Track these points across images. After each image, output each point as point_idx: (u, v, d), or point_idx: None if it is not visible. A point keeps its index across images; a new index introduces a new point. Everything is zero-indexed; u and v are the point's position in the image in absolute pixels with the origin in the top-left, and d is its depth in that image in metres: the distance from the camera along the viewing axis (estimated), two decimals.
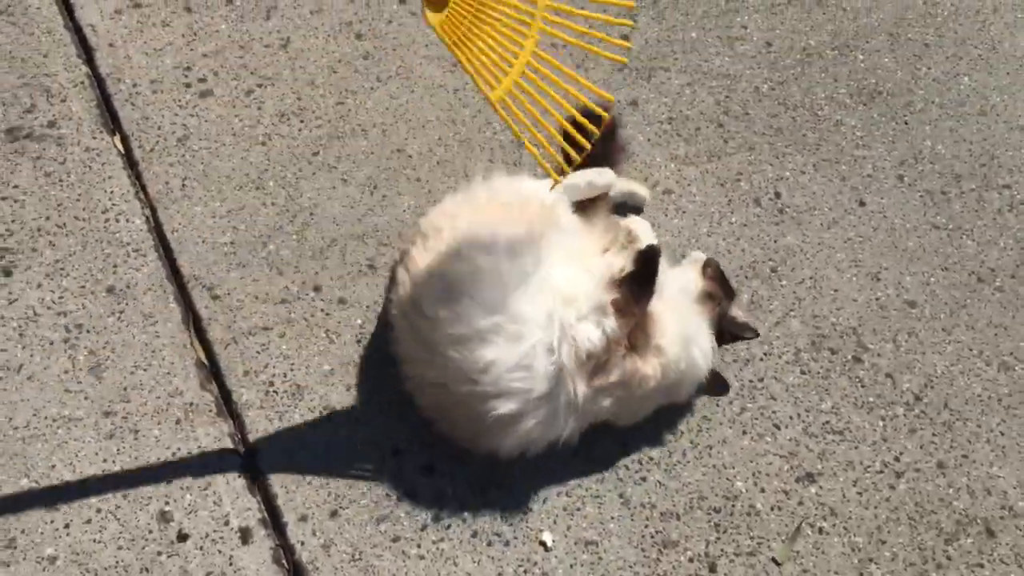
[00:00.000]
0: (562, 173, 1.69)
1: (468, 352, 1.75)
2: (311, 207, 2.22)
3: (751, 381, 2.10)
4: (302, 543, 1.82)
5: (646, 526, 1.91)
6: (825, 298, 2.23)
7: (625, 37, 1.63)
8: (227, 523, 1.82)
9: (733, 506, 1.95)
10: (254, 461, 1.90)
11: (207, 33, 2.46)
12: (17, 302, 2.02)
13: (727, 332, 2.03)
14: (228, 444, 1.91)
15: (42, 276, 2.06)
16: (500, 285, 1.76)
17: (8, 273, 2.06)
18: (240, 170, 2.26)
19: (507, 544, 1.86)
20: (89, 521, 1.80)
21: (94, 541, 1.78)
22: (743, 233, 2.31)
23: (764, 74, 2.60)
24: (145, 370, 1.97)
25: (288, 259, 2.14)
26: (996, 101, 2.63)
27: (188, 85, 2.38)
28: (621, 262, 1.90)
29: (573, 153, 1.66)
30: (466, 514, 1.88)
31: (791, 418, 2.06)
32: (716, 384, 2.04)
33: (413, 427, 1.94)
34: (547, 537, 1.87)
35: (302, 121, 2.35)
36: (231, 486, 1.86)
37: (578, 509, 1.91)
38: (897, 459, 2.04)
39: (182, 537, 1.80)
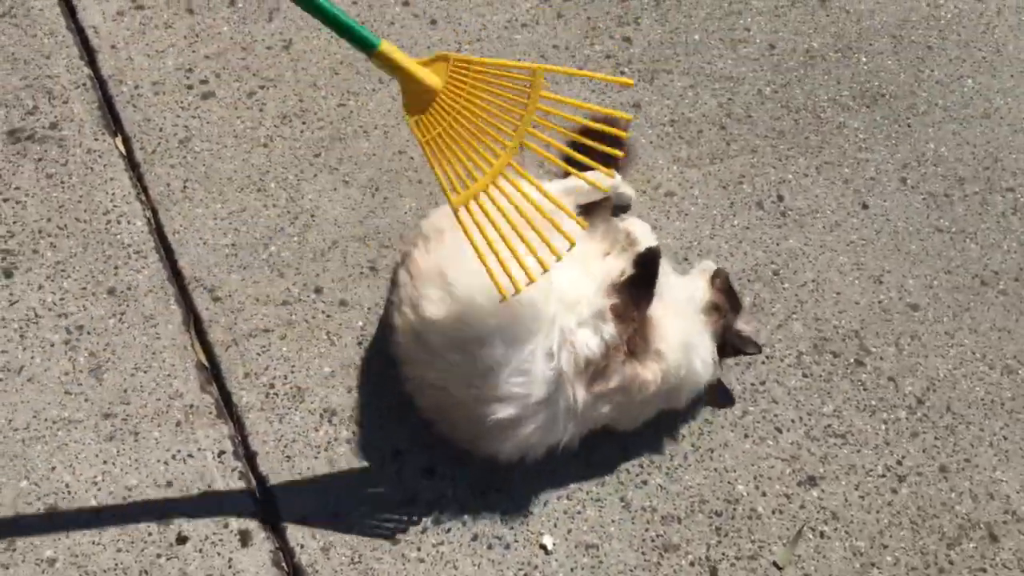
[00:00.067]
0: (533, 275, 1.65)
1: (468, 355, 1.75)
2: (312, 209, 2.22)
3: (753, 384, 2.09)
4: (302, 546, 1.82)
5: (647, 529, 1.90)
6: (827, 301, 2.23)
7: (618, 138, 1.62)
8: (227, 526, 1.82)
9: (734, 510, 1.94)
10: (254, 463, 1.90)
11: (209, 35, 2.46)
12: (18, 304, 2.02)
13: (730, 345, 2.02)
14: (228, 446, 1.90)
15: (43, 278, 2.06)
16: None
17: (9, 275, 2.06)
18: (241, 172, 2.26)
19: (507, 547, 1.85)
20: (88, 523, 1.80)
21: (93, 543, 1.78)
22: (745, 236, 2.30)
23: (767, 76, 2.59)
24: (145, 372, 1.97)
25: (289, 261, 2.14)
26: (1000, 104, 2.62)
27: (190, 87, 2.38)
28: (621, 265, 1.89)
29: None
30: (466, 517, 1.88)
31: (793, 421, 2.06)
32: (720, 396, 2.03)
33: (413, 430, 1.93)
34: (547, 540, 1.87)
35: (304, 123, 2.35)
36: (231, 488, 1.86)
37: (579, 512, 1.91)
38: (899, 463, 2.03)
39: (181, 539, 1.80)
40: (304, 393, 1.98)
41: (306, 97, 2.39)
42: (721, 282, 2.06)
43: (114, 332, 2.01)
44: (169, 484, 1.85)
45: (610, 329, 1.80)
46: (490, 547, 1.85)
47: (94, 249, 2.10)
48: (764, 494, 1.96)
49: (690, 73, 2.57)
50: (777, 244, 2.30)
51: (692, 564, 1.87)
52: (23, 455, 1.86)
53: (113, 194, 2.18)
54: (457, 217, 1.63)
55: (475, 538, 1.86)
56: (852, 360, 2.15)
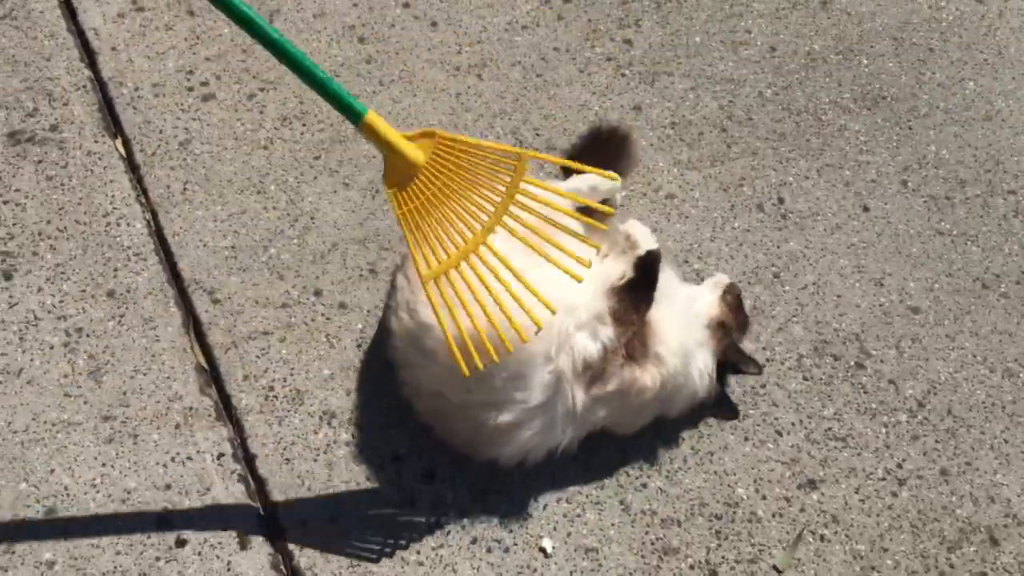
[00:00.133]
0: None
1: None
2: (312, 211, 2.22)
3: (753, 387, 2.09)
4: (301, 549, 1.81)
5: (647, 533, 1.90)
6: (828, 304, 2.22)
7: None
8: (226, 529, 1.82)
9: (734, 513, 1.94)
10: (253, 466, 1.90)
11: (209, 37, 2.46)
12: (18, 306, 2.02)
13: (731, 361, 2.01)
14: (227, 449, 1.90)
15: (43, 280, 2.06)
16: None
17: (9, 277, 2.06)
18: (242, 174, 2.26)
19: (507, 551, 1.85)
20: (87, 526, 1.80)
21: (92, 546, 1.78)
22: (746, 238, 2.30)
23: (768, 79, 2.59)
24: (145, 374, 1.97)
25: (289, 263, 2.14)
26: (1001, 106, 2.61)
27: (190, 89, 2.37)
28: (621, 268, 1.88)
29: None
30: (466, 520, 1.87)
31: (793, 424, 2.05)
32: (724, 408, 2.02)
33: (413, 433, 1.93)
34: (547, 543, 1.86)
35: (304, 125, 2.35)
36: (230, 491, 1.86)
37: (578, 515, 1.90)
38: (900, 466, 2.03)
39: (180, 543, 1.80)
40: (303, 396, 1.97)
41: (306, 99, 2.39)
42: (732, 298, 2.05)
43: (113, 334, 2.01)
44: (168, 487, 1.85)
45: (608, 332, 1.79)
46: (489, 550, 1.85)
47: (94, 251, 2.10)
48: (764, 497, 1.96)
49: (691, 75, 2.57)
50: (778, 247, 2.30)
51: (692, 567, 1.87)
52: (22, 457, 1.86)
53: (113, 196, 2.18)
54: (426, 291, 1.64)
55: (474, 541, 1.86)
56: (853, 363, 2.15)
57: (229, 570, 1.78)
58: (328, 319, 2.07)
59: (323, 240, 2.18)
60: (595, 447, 1.93)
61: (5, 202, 2.15)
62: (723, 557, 1.89)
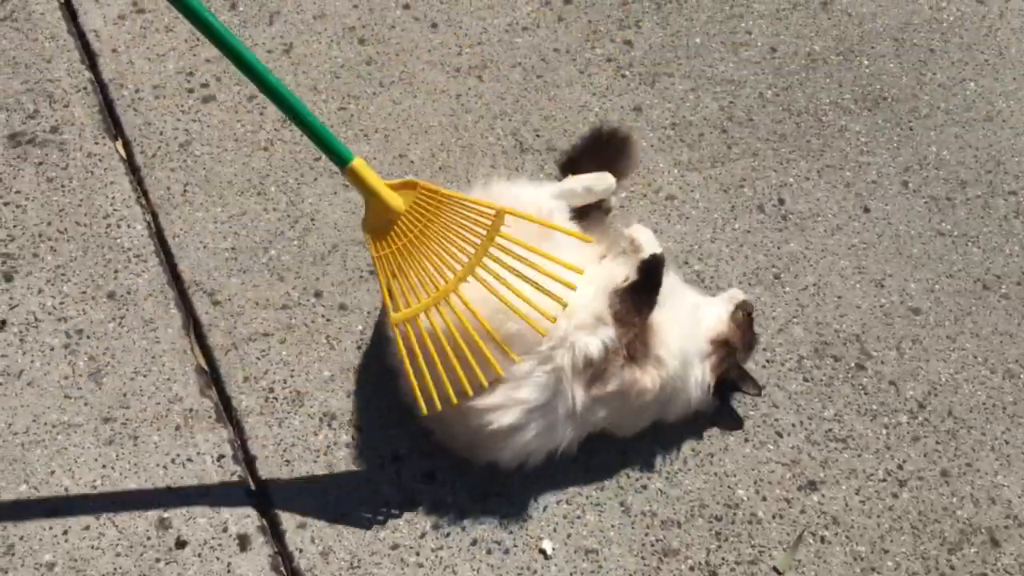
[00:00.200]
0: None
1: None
2: (312, 213, 2.22)
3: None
4: (300, 550, 1.81)
5: (647, 534, 1.90)
6: (828, 305, 2.22)
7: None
8: (226, 530, 1.82)
9: (734, 514, 1.94)
10: (253, 468, 1.90)
11: None
12: (18, 307, 2.02)
13: (730, 379, 1.98)
14: (227, 450, 1.90)
15: (43, 282, 2.06)
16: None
17: (9, 278, 2.06)
18: (242, 176, 2.26)
19: (507, 552, 1.85)
20: (88, 527, 1.80)
21: (92, 548, 1.78)
22: (746, 239, 2.30)
23: (768, 80, 2.59)
24: (145, 376, 1.97)
25: (289, 265, 2.14)
26: (1002, 107, 2.61)
27: (191, 90, 2.38)
28: (624, 271, 1.88)
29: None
30: (466, 522, 1.87)
31: (793, 426, 2.05)
32: (727, 419, 2.01)
33: (413, 434, 1.93)
34: (547, 545, 1.86)
35: None
36: (230, 493, 1.86)
37: (578, 517, 1.90)
38: (900, 467, 2.02)
39: (180, 544, 1.80)
40: (303, 397, 1.97)
41: (307, 100, 2.38)
42: (743, 316, 2.03)
43: (114, 336, 2.01)
44: (168, 488, 1.85)
45: (610, 332, 1.79)
46: (489, 552, 1.85)
47: (94, 253, 2.11)
48: (764, 499, 1.96)
49: (691, 76, 2.57)
50: (778, 248, 2.30)
51: (692, 569, 1.87)
52: (22, 459, 1.86)
53: (113, 198, 2.18)
54: (395, 331, 1.71)
55: (474, 543, 1.86)
56: (853, 364, 2.14)
57: (229, 571, 1.78)
58: (328, 321, 2.07)
59: (323, 241, 2.18)
60: (595, 448, 1.93)
61: (6, 204, 2.16)
62: (723, 558, 1.89)
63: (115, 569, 1.76)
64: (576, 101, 2.48)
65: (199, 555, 1.79)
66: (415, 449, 1.93)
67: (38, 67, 2.36)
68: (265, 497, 1.87)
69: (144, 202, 2.20)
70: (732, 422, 2.02)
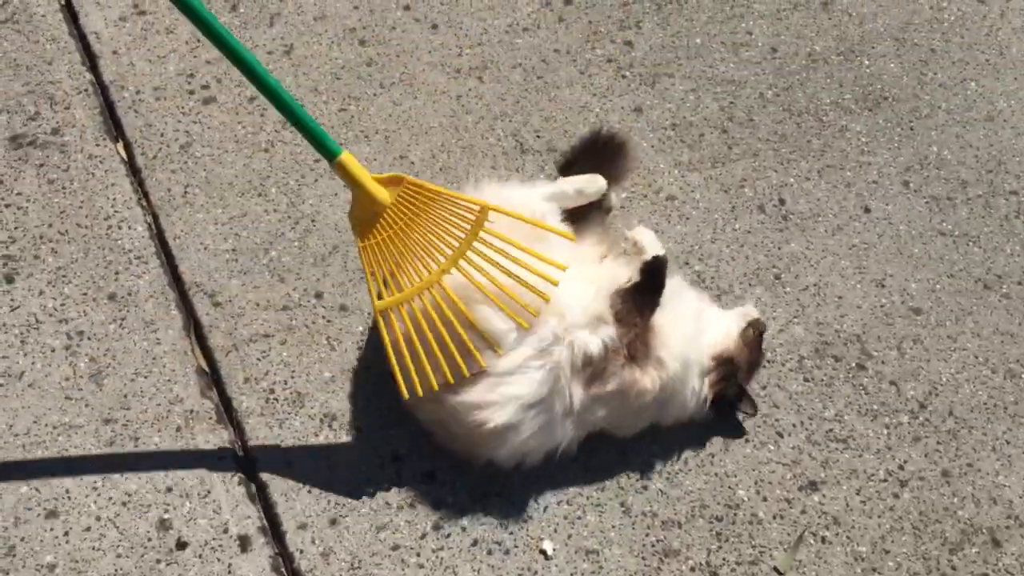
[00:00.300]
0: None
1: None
2: (313, 214, 2.22)
3: (753, 389, 2.08)
4: (301, 551, 1.82)
5: (647, 535, 1.90)
6: (829, 305, 2.22)
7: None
8: (226, 531, 1.82)
9: (735, 515, 1.94)
10: (254, 469, 1.90)
11: None
12: (19, 309, 2.03)
13: (728, 395, 1.97)
14: (228, 451, 1.90)
15: (44, 283, 2.06)
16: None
17: (10, 280, 2.06)
18: (242, 177, 2.26)
19: (507, 553, 1.85)
20: (88, 529, 1.80)
21: (93, 549, 1.78)
22: (747, 240, 2.30)
23: (769, 80, 2.59)
24: (146, 377, 1.97)
25: (290, 266, 2.14)
26: (1003, 107, 2.61)
27: (191, 92, 2.38)
28: (627, 272, 1.88)
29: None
30: (466, 522, 1.87)
31: (794, 426, 2.05)
32: (746, 403, 2.00)
33: (413, 435, 1.93)
34: (547, 546, 1.86)
35: None
36: (231, 494, 1.86)
37: (579, 517, 1.90)
38: (901, 467, 2.02)
39: (181, 545, 1.80)
40: (304, 398, 1.98)
41: (307, 102, 2.39)
42: (753, 334, 2.00)
43: (114, 337, 2.01)
44: (169, 489, 1.85)
45: (610, 332, 1.79)
46: (490, 552, 1.85)
47: (95, 254, 2.11)
48: (765, 499, 1.96)
49: (692, 77, 2.57)
50: (779, 248, 2.29)
51: (693, 569, 1.87)
52: (23, 460, 1.86)
53: (114, 199, 2.19)
54: (378, 319, 1.75)
55: (475, 543, 1.86)
56: (854, 364, 2.14)
57: (230, 572, 1.78)
58: (329, 322, 2.08)
59: (324, 243, 2.18)
60: (595, 448, 1.93)
61: (7, 206, 2.16)
62: (724, 559, 1.89)
63: (116, 570, 1.76)
64: (577, 102, 2.48)
65: (200, 556, 1.79)
66: (415, 450, 1.93)
67: (39, 69, 2.36)
68: (265, 498, 1.87)
69: (145, 204, 2.21)
70: (749, 407, 2.00)
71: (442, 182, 2.29)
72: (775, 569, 1.88)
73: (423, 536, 1.85)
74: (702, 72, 2.58)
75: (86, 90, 2.35)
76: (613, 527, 1.90)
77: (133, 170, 2.25)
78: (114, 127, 2.31)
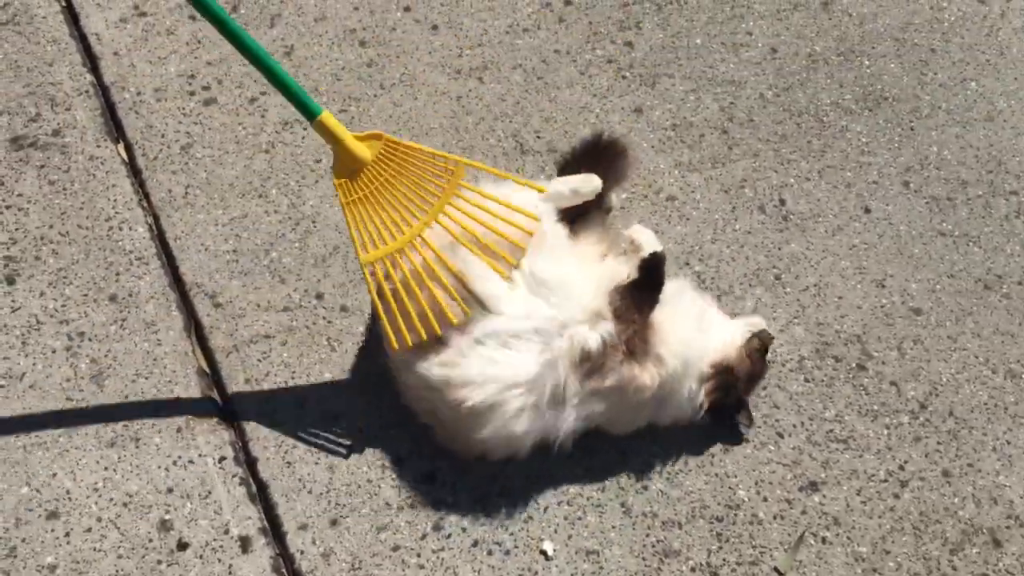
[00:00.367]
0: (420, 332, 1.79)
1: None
2: (313, 215, 2.22)
3: (754, 392, 2.08)
4: (302, 552, 1.82)
5: (647, 535, 1.90)
6: (829, 305, 2.22)
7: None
8: (227, 532, 1.82)
9: (735, 515, 1.94)
10: (255, 469, 1.90)
11: (211, 41, 2.47)
12: (20, 310, 2.03)
13: (724, 401, 1.96)
14: (229, 452, 1.91)
15: (45, 284, 2.07)
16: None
17: (11, 281, 2.07)
18: (243, 178, 2.26)
19: (507, 553, 1.85)
20: (89, 530, 1.81)
21: (94, 550, 1.79)
22: (747, 240, 2.30)
23: (769, 80, 2.59)
24: (147, 378, 1.97)
25: (290, 267, 2.15)
26: (1003, 107, 2.61)
27: (192, 93, 2.38)
28: (627, 270, 1.89)
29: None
30: (466, 523, 1.87)
31: (794, 426, 2.05)
32: (743, 416, 2.01)
33: (414, 435, 1.93)
34: (548, 546, 1.87)
35: (305, 129, 2.35)
36: (231, 495, 1.86)
37: (579, 518, 1.90)
38: (902, 468, 2.02)
39: (182, 546, 1.80)
40: (305, 399, 1.98)
41: None
42: (758, 345, 1.99)
43: (115, 339, 2.01)
44: (170, 490, 1.86)
45: (609, 327, 1.80)
46: (490, 553, 1.85)
47: (96, 256, 2.11)
48: (765, 499, 1.96)
49: (692, 77, 2.57)
50: (779, 248, 2.30)
51: (693, 570, 1.87)
52: (24, 461, 1.86)
53: (115, 201, 2.19)
54: (364, 273, 1.82)
55: (475, 544, 1.86)
56: (854, 365, 2.14)
57: (230, 573, 1.78)
58: (329, 322, 2.08)
59: (324, 243, 2.18)
60: (595, 449, 1.93)
61: (8, 207, 2.16)
62: (724, 559, 1.89)
63: (117, 571, 1.77)
64: (577, 102, 2.48)
65: (200, 557, 1.79)
66: (416, 450, 1.93)
67: (40, 71, 2.37)
68: (266, 499, 1.87)
69: (146, 205, 2.21)
70: (745, 421, 2.00)
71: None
72: (775, 569, 1.89)
73: (423, 537, 1.85)
74: (702, 72, 2.58)
75: (87, 91, 2.35)
76: (613, 527, 1.90)
77: (134, 171, 2.25)
78: (115, 128, 2.31)
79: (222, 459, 1.90)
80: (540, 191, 1.87)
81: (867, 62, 2.66)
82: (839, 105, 2.56)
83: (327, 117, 1.78)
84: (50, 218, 2.15)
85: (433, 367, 1.78)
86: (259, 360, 2.02)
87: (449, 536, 1.86)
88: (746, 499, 1.96)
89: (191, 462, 1.89)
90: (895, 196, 2.41)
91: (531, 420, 1.80)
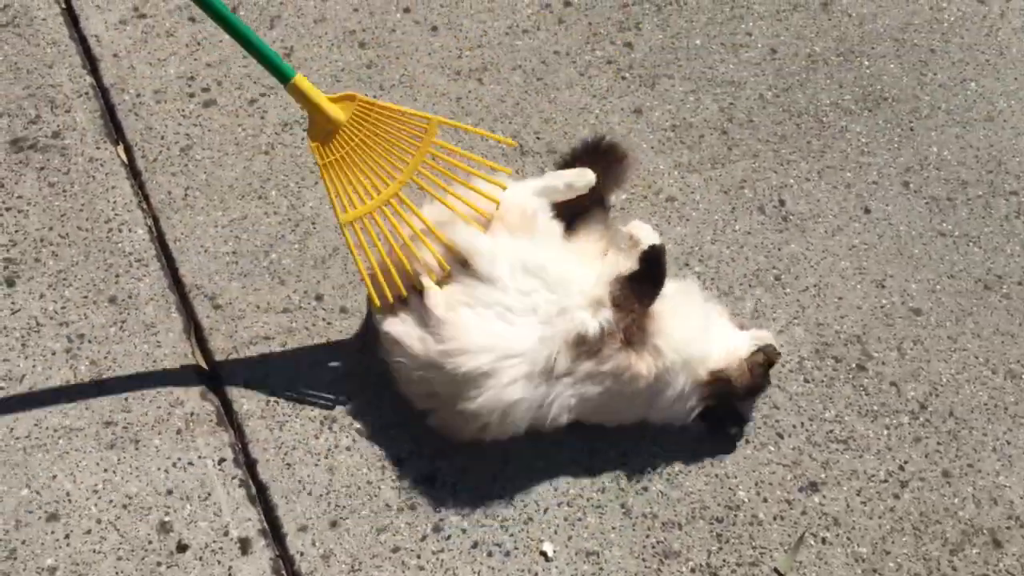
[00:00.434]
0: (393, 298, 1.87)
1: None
2: (313, 216, 2.22)
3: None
4: (302, 553, 1.82)
5: (647, 536, 1.90)
6: (829, 306, 2.22)
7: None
8: (227, 533, 1.82)
9: (735, 516, 1.94)
10: (254, 471, 1.90)
11: (211, 43, 2.47)
12: (20, 312, 2.03)
13: (718, 407, 1.96)
14: (229, 454, 1.91)
15: (45, 286, 2.07)
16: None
17: (11, 283, 2.07)
18: (243, 179, 2.26)
19: (507, 554, 1.85)
20: (89, 532, 1.81)
21: (94, 552, 1.79)
22: (747, 241, 2.30)
23: (769, 81, 2.59)
24: (146, 380, 1.97)
25: (290, 268, 2.15)
26: (1003, 107, 2.61)
27: (191, 95, 2.38)
28: (628, 264, 1.89)
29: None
30: (466, 524, 1.87)
31: (794, 427, 2.05)
32: (732, 417, 2.01)
33: (414, 436, 1.93)
34: (548, 547, 1.87)
35: (305, 130, 2.34)
36: (231, 496, 1.86)
37: (579, 519, 1.90)
38: (902, 468, 2.02)
39: (182, 548, 1.80)
40: (304, 400, 1.98)
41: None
42: (761, 358, 1.97)
43: (115, 340, 2.01)
44: (170, 492, 1.86)
45: (607, 315, 1.81)
46: (490, 554, 1.85)
47: (95, 257, 2.11)
48: (765, 500, 1.96)
49: (691, 78, 2.57)
50: (779, 249, 2.29)
51: (693, 571, 1.87)
52: (24, 463, 1.86)
53: (115, 202, 2.19)
54: (344, 232, 1.85)
55: (475, 545, 1.86)
56: (854, 365, 2.14)
57: (230, 574, 1.78)
58: (329, 324, 2.08)
59: (324, 245, 2.18)
60: (595, 449, 1.93)
61: (8, 209, 2.16)
62: (724, 560, 1.89)
63: (117, 573, 1.77)
64: (576, 103, 2.48)
65: (200, 559, 1.79)
66: (416, 452, 1.93)
67: (40, 72, 2.37)
68: (266, 500, 1.87)
69: (145, 206, 2.21)
70: (736, 421, 2.01)
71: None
72: (775, 570, 1.89)
73: (423, 538, 1.85)
74: (702, 73, 2.58)
75: (86, 93, 2.35)
76: (613, 528, 1.90)
77: (133, 173, 2.26)
78: (114, 130, 2.32)
79: (222, 461, 1.90)
80: (511, 144, 1.94)
81: (867, 62, 2.66)
82: (839, 105, 2.56)
83: (301, 80, 1.80)
84: (50, 220, 2.15)
85: (430, 342, 1.80)
86: (259, 361, 2.02)
87: (449, 537, 1.86)
88: (746, 500, 1.96)
89: (191, 464, 1.89)
90: (895, 196, 2.41)
91: (524, 389, 1.79)
